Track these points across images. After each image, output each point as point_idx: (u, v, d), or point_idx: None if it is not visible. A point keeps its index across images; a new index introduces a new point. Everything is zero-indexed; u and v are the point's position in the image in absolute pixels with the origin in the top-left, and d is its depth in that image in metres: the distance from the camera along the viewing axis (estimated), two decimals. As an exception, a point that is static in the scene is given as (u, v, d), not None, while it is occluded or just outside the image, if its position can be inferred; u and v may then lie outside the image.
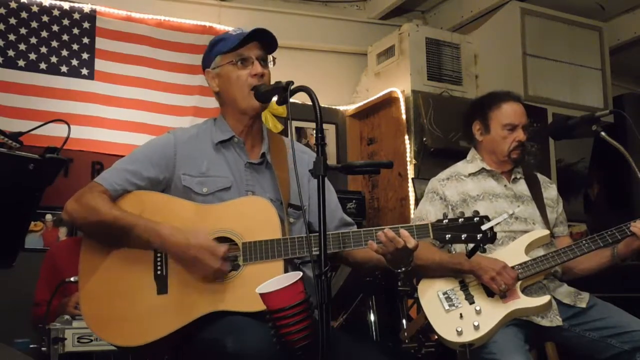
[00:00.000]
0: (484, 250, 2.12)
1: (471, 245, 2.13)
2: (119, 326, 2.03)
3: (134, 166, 2.15)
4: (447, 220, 2.10)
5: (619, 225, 2.63)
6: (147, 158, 2.17)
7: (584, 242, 2.66)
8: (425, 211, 2.83)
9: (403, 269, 2.11)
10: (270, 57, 2.25)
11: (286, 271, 2.01)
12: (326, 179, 1.83)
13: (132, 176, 2.13)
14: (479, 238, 2.07)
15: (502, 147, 2.87)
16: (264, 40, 2.22)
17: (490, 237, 2.08)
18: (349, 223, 2.36)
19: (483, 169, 2.91)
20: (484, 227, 2.07)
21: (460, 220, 2.10)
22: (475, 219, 2.09)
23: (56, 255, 3.44)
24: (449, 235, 2.08)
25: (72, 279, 2.81)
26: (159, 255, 2.07)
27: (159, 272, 2.06)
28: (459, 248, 2.69)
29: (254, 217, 2.08)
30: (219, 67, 2.24)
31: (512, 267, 2.63)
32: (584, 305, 2.69)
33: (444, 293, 2.64)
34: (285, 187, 2.21)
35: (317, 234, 1.79)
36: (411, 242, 2.02)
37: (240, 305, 1.97)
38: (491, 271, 2.57)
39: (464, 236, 2.08)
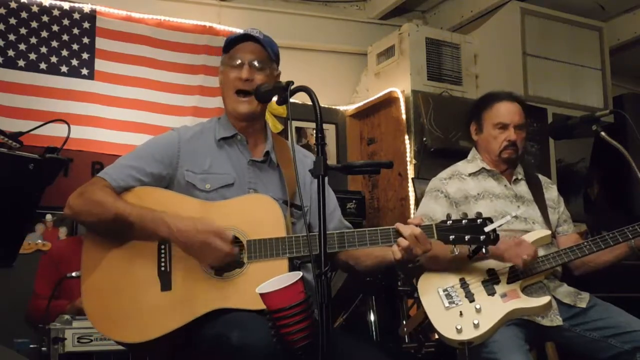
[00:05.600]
0: (487, 252, 2.13)
1: (474, 246, 2.13)
2: (122, 323, 2.03)
3: (137, 162, 2.16)
4: (450, 222, 2.11)
5: (621, 227, 2.63)
6: (150, 154, 2.18)
7: (585, 244, 2.66)
8: (431, 210, 2.80)
9: (410, 265, 2.12)
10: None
11: (291, 269, 2.02)
12: (326, 183, 1.83)
13: (135, 172, 2.13)
14: (482, 239, 2.09)
15: (493, 147, 2.88)
16: (260, 43, 2.22)
17: (493, 239, 2.10)
18: (347, 226, 2.37)
19: (483, 168, 2.91)
20: (487, 229, 2.09)
21: (463, 221, 2.11)
22: (478, 220, 2.11)
23: (56, 253, 3.44)
24: (453, 237, 2.10)
25: (73, 274, 2.81)
26: (162, 251, 2.07)
27: (162, 269, 2.06)
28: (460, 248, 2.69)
29: (259, 215, 2.09)
30: (221, 66, 2.28)
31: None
32: (584, 305, 2.68)
33: (444, 290, 2.64)
34: (291, 187, 2.21)
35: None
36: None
37: (245, 303, 1.96)
38: (510, 247, 2.55)
39: (467, 237, 2.09)
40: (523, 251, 2.55)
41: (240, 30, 2.39)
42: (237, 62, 2.21)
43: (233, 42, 2.24)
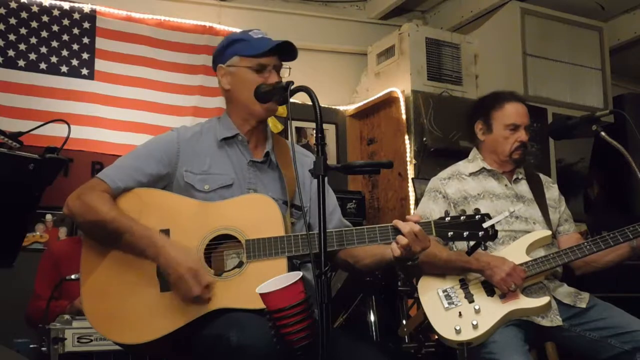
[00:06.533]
0: (485, 248, 2.14)
1: (472, 243, 2.14)
2: (122, 323, 2.03)
3: (136, 162, 2.16)
4: (449, 218, 2.11)
5: (622, 228, 2.63)
6: (150, 154, 2.18)
7: (585, 244, 2.66)
8: (429, 210, 2.81)
9: (409, 263, 2.12)
10: (287, 68, 2.25)
11: (290, 268, 2.02)
12: (326, 183, 1.83)
13: (135, 172, 2.13)
14: (480, 235, 2.09)
15: (503, 147, 2.87)
16: (284, 50, 2.22)
17: (492, 235, 2.10)
18: (347, 226, 2.36)
19: (484, 168, 2.91)
20: (485, 225, 2.09)
21: (462, 217, 2.11)
22: (476, 216, 2.11)
23: (56, 253, 3.43)
24: (451, 233, 2.10)
25: (72, 276, 2.81)
26: None
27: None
28: (460, 245, 2.69)
29: (257, 214, 2.09)
30: (234, 67, 2.23)
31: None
32: (584, 305, 2.68)
33: (444, 291, 2.64)
34: (291, 187, 2.21)
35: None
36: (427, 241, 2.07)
37: (244, 302, 1.97)
38: (501, 271, 2.57)
39: (465, 234, 2.09)
40: (511, 280, 2.56)
41: (238, 30, 2.37)
42: (264, 68, 2.19)
43: (267, 52, 2.18)
